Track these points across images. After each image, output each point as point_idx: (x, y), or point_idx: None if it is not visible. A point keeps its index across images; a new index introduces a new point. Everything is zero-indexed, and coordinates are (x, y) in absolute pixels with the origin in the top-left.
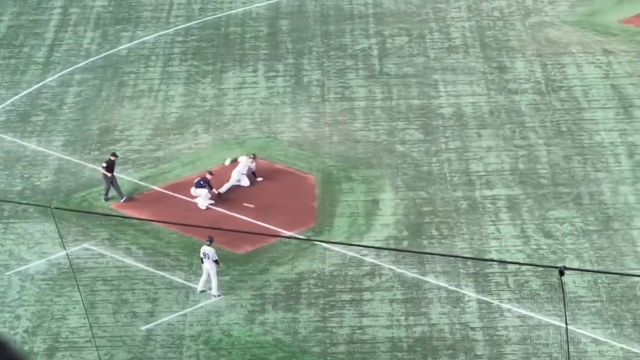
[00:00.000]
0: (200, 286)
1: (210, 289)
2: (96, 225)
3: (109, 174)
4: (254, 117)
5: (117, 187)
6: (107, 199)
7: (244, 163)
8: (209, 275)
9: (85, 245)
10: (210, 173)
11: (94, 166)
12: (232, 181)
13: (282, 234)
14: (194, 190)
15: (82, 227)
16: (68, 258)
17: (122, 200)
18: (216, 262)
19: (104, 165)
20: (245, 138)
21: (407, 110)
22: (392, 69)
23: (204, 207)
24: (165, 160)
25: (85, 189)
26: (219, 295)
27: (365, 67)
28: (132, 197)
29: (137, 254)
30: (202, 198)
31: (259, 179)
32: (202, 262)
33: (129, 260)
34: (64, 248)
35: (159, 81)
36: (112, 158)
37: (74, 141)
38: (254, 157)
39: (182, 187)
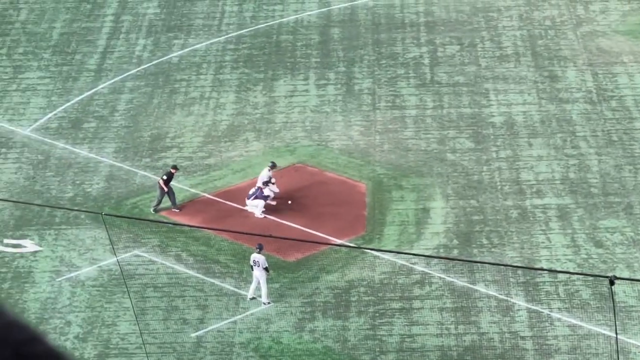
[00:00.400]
0: (250, 293)
1: (260, 296)
2: (147, 232)
3: (165, 188)
4: (305, 125)
5: (172, 197)
6: (156, 211)
7: (265, 173)
8: (258, 282)
9: (136, 251)
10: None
11: (145, 173)
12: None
13: (332, 242)
14: (249, 204)
15: (132, 233)
16: (119, 264)
17: (174, 209)
18: (266, 269)
19: (164, 177)
20: (295, 146)
21: (458, 118)
22: (443, 77)
23: (261, 216)
24: (216, 167)
25: (136, 195)
26: (268, 303)
27: (416, 76)
28: (183, 206)
29: (187, 260)
30: (258, 207)
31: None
32: (252, 270)
33: (179, 267)
34: (115, 254)
35: (210, 89)
36: (173, 171)
37: (126, 148)
38: (272, 167)
39: (233, 194)
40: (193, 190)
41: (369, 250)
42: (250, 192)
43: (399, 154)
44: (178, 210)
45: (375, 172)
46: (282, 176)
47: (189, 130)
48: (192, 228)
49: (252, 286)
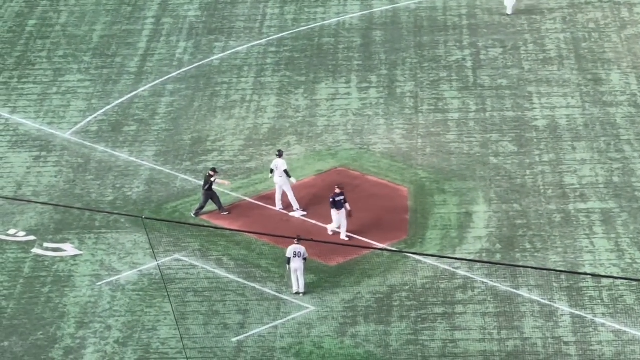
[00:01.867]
0: (296, 286)
1: (301, 292)
2: (187, 236)
3: (206, 191)
4: (347, 129)
5: (218, 201)
6: (197, 214)
7: (280, 162)
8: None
9: (176, 256)
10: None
11: (186, 177)
12: (278, 195)
13: (374, 246)
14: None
15: (173, 237)
16: (159, 269)
17: (222, 213)
18: (305, 259)
19: (206, 182)
20: (337, 149)
21: (501, 122)
22: (486, 80)
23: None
24: (257, 171)
25: (176, 199)
26: (304, 293)
27: (459, 79)
28: (230, 208)
29: (228, 265)
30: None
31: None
32: (289, 263)
33: (220, 272)
34: (155, 259)
35: (252, 92)
36: (211, 173)
37: (166, 151)
38: (280, 155)
39: (274, 198)
40: (234, 194)
41: (411, 255)
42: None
43: (442, 157)
44: (227, 213)
45: (418, 175)
46: (324, 180)
47: (229, 134)
48: (232, 232)
49: (294, 280)
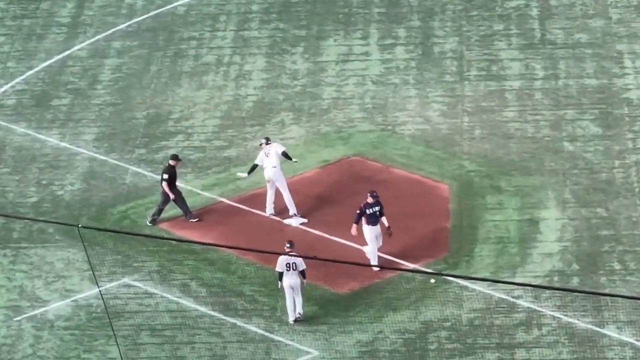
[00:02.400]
0: (292, 315)
1: (299, 313)
2: (141, 253)
3: (171, 194)
4: (364, 103)
5: (182, 204)
6: (153, 222)
7: (277, 149)
8: (293, 299)
9: (126, 280)
10: (176, 159)
11: (139, 169)
12: (286, 198)
13: (402, 267)
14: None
15: (121, 254)
16: (102, 298)
17: (190, 220)
18: (303, 274)
19: (165, 177)
20: (351, 131)
21: (579, 93)
22: (559, 35)
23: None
24: (238, 161)
25: (126, 201)
26: (301, 316)
27: (520, 33)
28: (199, 214)
29: (198, 293)
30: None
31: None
32: (280, 279)
33: (186, 302)
34: (97, 284)
35: (231, 51)
36: (172, 163)
37: (111, 134)
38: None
39: (262, 199)
40: (206, 194)
41: (453, 279)
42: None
43: (497, 142)
44: (197, 221)
45: (463, 168)
46: (331, 174)
47: (200, 110)
48: (204, 247)
49: (289, 303)
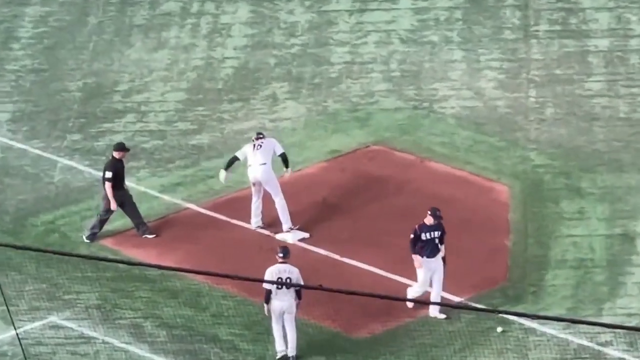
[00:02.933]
0: (281, 345)
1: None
2: (76, 280)
3: (114, 203)
4: (389, 70)
5: (133, 212)
6: (93, 237)
7: (272, 144)
8: (283, 327)
9: (53, 318)
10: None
11: (72, 162)
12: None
13: (443, 301)
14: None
15: (47, 283)
16: (20, 343)
17: (144, 235)
18: (298, 294)
19: (108, 174)
20: (371, 110)
21: None
22: None
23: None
24: (212, 152)
25: (53, 207)
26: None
27: None
28: (156, 227)
29: (155, 337)
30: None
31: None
32: (267, 302)
33: (139, 350)
34: (13, 324)
35: None
36: (117, 155)
37: (33, 113)
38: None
39: (245, 205)
40: (167, 197)
41: (515, 318)
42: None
43: (576, 126)
44: (153, 237)
45: (529, 162)
46: (343, 170)
47: (158, 79)
48: (164, 272)
49: (277, 332)
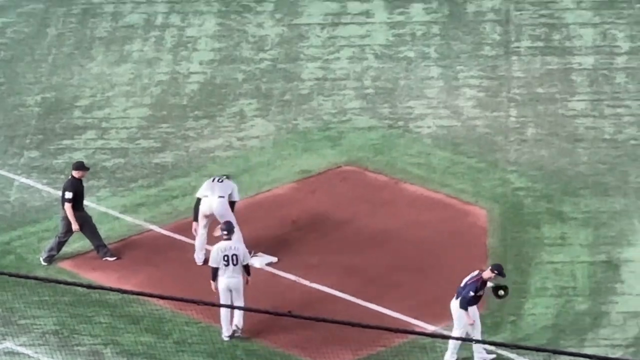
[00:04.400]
0: (227, 329)
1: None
2: (32, 304)
3: (76, 224)
4: (363, 86)
5: (94, 235)
6: (50, 259)
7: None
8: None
9: (9, 344)
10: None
11: (29, 181)
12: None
13: (417, 329)
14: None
15: (2, 306)
16: None
17: (104, 258)
18: (247, 270)
19: (67, 195)
20: (343, 129)
21: None
22: None
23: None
24: (176, 171)
25: (9, 227)
26: (242, 332)
27: None
28: (117, 249)
29: None
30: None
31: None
32: (214, 279)
33: None
34: None
35: (167, 7)
36: (77, 174)
37: None
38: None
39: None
40: (128, 219)
41: (493, 348)
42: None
43: (559, 147)
44: (113, 259)
45: (509, 184)
46: (313, 191)
47: (121, 94)
48: (126, 296)
49: (224, 312)
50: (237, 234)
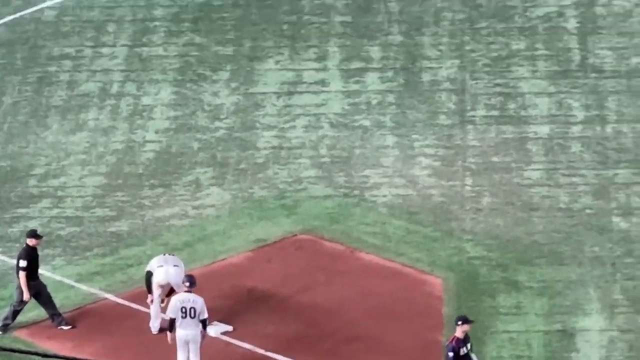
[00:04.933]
0: None
1: None
2: None
3: (28, 293)
4: (319, 155)
5: (49, 304)
6: (5, 328)
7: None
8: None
9: None
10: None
11: None
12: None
13: None
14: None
15: None
16: None
17: (59, 326)
18: (204, 324)
19: (22, 264)
20: (299, 197)
21: (637, 145)
22: (607, 59)
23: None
24: (132, 239)
25: None
26: None
27: (550, 55)
28: (72, 318)
29: None
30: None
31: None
32: (171, 329)
33: None
34: None
35: (123, 76)
36: (31, 243)
37: None
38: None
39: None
40: (84, 288)
41: None
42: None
43: (514, 216)
44: (68, 328)
45: (464, 253)
46: (270, 259)
47: (76, 163)
48: None
49: None
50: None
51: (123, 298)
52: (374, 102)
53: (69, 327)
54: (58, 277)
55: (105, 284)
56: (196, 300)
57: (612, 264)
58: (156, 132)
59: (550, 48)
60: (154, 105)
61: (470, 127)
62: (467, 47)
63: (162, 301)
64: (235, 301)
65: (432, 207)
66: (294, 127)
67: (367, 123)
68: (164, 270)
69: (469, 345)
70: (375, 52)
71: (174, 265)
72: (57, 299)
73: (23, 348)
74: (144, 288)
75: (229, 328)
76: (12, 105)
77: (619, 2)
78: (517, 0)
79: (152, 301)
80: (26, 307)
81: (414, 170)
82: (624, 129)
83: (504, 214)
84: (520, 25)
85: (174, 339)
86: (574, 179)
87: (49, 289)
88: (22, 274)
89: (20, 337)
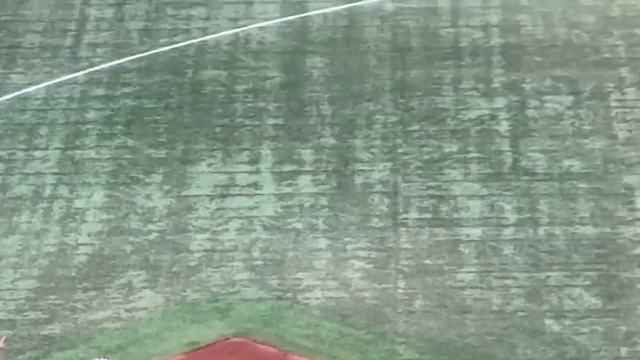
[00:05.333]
0: None
1: None
2: None
3: None
4: (251, 257)
5: None
6: None
7: None
8: None
9: None
10: None
11: None
12: None
13: None
14: None
15: None
16: None
17: None
18: None
19: None
20: (232, 300)
21: (569, 248)
22: (539, 162)
23: None
24: (65, 343)
25: None
26: None
27: (483, 158)
28: None
29: None
30: None
31: None
32: None
33: None
34: None
35: (55, 178)
36: None
37: None
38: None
39: None
40: None
41: None
42: None
43: (446, 319)
44: None
45: (397, 355)
46: None
47: (8, 266)
48: None
49: None
50: None
51: None
52: (307, 204)
53: None
54: None
55: None
56: None
57: None
58: (89, 235)
59: (482, 151)
60: (87, 209)
61: (402, 229)
62: (400, 150)
63: None
64: None
65: (365, 310)
66: (226, 230)
67: (299, 226)
68: None
69: None
70: (307, 154)
71: None
72: None
73: None
74: None
75: None
76: None
77: (550, 105)
78: (449, 103)
79: None
80: None
81: (347, 272)
82: (556, 231)
83: (436, 316)
84: (452, 128)
85: None
86: (507, 281)
87: None
88: None
89: None
